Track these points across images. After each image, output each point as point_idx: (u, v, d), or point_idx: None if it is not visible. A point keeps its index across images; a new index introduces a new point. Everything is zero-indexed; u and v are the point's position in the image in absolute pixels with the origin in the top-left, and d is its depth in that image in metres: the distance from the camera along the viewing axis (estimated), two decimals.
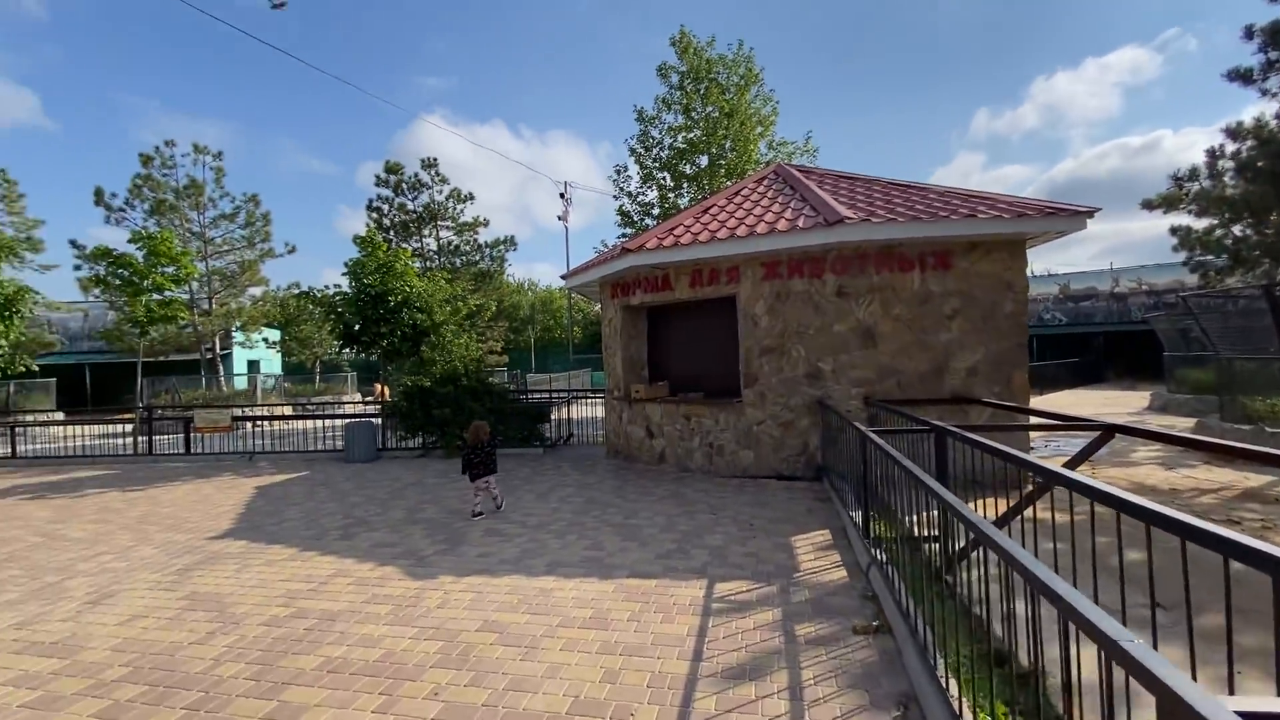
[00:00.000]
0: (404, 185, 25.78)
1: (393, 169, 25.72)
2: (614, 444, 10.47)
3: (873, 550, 4.79)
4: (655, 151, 20.04)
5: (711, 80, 19.01)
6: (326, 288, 14.25)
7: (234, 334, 26.94)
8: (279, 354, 34.72)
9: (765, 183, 10.02)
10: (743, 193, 9.77)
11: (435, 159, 25.98)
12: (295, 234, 78.12)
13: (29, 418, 15.66)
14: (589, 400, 15.05)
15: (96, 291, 18.04)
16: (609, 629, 3.94)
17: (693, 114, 19.27)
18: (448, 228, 26.54)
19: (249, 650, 3.83)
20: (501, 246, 26.89)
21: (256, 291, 27.34)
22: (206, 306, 24.72)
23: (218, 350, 25.57)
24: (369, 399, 31.10)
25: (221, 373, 25.61)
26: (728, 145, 18.92)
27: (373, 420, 12.18)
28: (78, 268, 21.80)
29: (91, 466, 11.97)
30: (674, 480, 8.45)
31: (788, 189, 9.36)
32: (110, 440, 14.50)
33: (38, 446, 14.18)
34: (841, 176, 10.10)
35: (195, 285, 23.41)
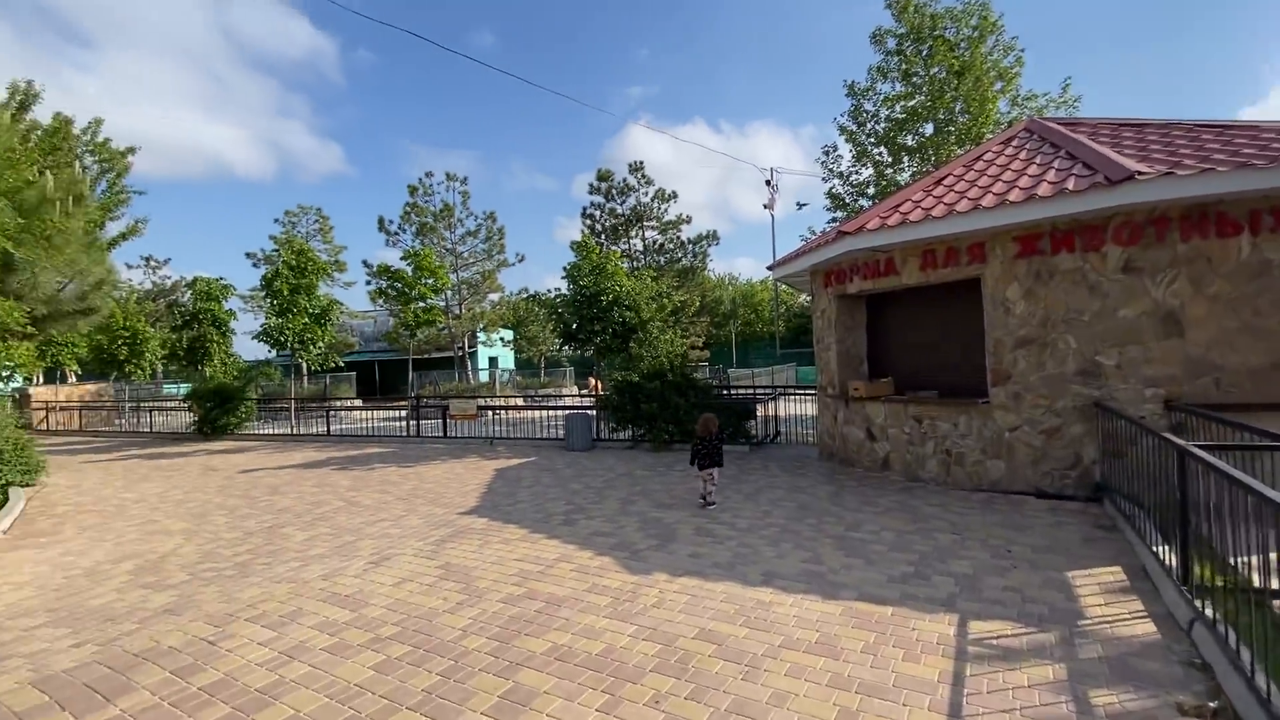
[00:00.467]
0: (613, 190, 27.42)
1: (603, 176, 27.47)
2: (827, 445, 9.74)
3: (1197, 602, 3.62)
4: (869, 126, 18.39)
5: (937, 38, 16.84)
6: (549, 291, 15.66)
7: (478, 334, 31.14)
8: (512, 351, 39.45)
9: (1014, 143, 8.45)
10: (984, 158, 8.36)
11: (641, 162, 27.20)
12: (522, 244, 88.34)
13: (338, 403, 19.85)
14: (796, 396, 14.33)
15: (380, 301, 22.12)
16: (839, 658, 3.49)
17: (914, 79, 17.28)
18: (652, 227, 27.63)
19: (489, 625, 4.14)
20: (704, 242, 27.16)
21: (494, 297, 31.26)
22: (457, 311, 28.92)
23: (466, 348, 29.80)
24: (583, 392, 33.80)
25: (469, 368, 29.78)
26: (958, 108, 16.60)
27: (588, 412, 13.00)
28: (368, 283, 26.95)
29: (378, 444, 14.62)
30: (901, 490, 7.53)
31: (1047, 146, 7.76)
32: (391, 423, 17.62)
33: (344, 426, 17.78)
34: (1123, 124, 8.12)
35: (449, 294, 27.49)
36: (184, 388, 21.77)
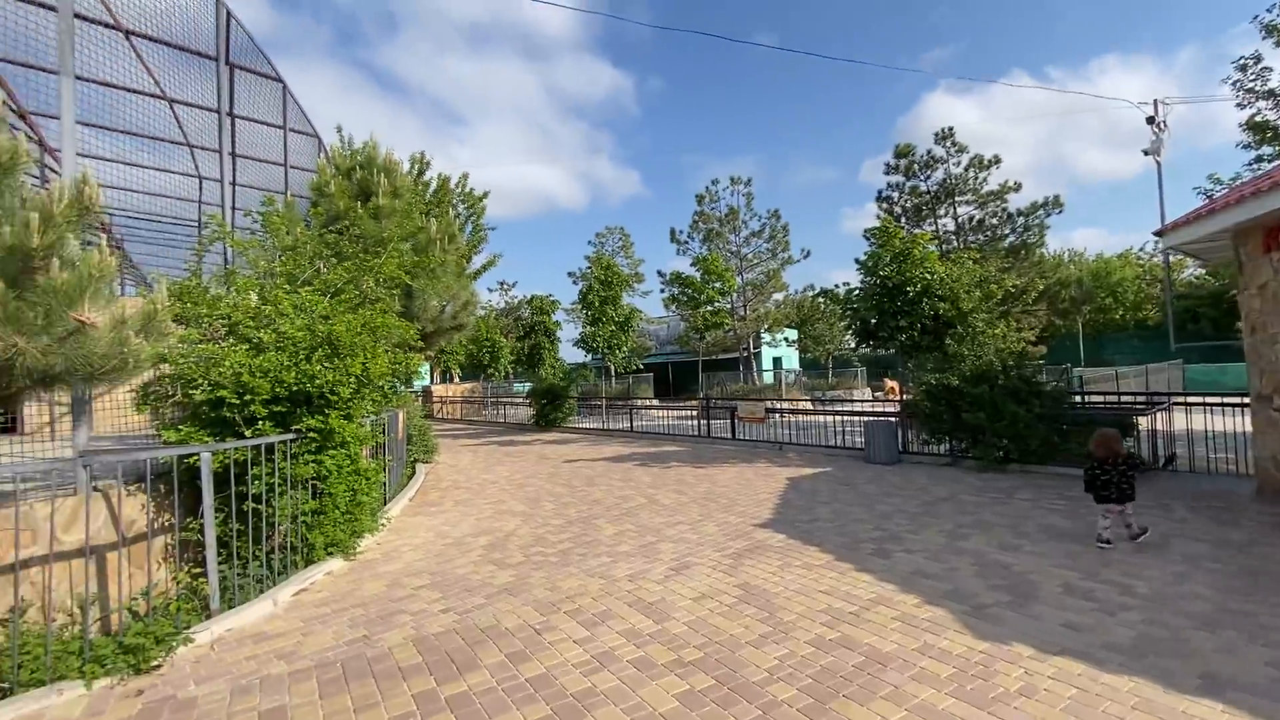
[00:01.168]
0: (914, 166, 24.36)
1: (903, 152, 24.60)
2: (1274, 480, 6.73)
3: None
4: None
5: None
6: (836, 286, 14.44)
7: (762, 335, 31.05)
8: (796, 351, 38.48)
9: None
10: None
11: (950, 129, 23.56)
12: (806, 240, 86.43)
13: (638, 402, 21.70)
14: (1193, 405, 10.50)
15: (672, 307, 23.52)
16: None
17: None
18: (967, 201, 23.68)
19: (798, 673, 3.58)
20: (1039, 212, 22.18)
21: (779, 296, 30.78)
22: (742, 313, 29.25)
23: (750, 349, 29.95)
24: (878, 395, 30.97)
25: (754, 369, 29.86)
26: None
27: (891, 420, 11.52)
28: (661, 290, 29.05)
29: (673, 442, 15.34)
30: None
31: None
32: (683, 422, 18.47)
33: (644, 423, 19.27)
34: None
35: (734, 296, 27.92)
36: (525, 387, 26.37)
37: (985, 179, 23.25)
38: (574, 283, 35.48)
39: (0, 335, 3.07)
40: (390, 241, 7.99)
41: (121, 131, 7.92)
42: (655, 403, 23.76)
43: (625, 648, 4.02)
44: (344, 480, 6.16)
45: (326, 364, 5.80)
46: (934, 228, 24.23)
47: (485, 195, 20.47)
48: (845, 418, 14.68)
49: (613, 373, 25.07)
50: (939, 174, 24.05)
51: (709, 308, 19.35)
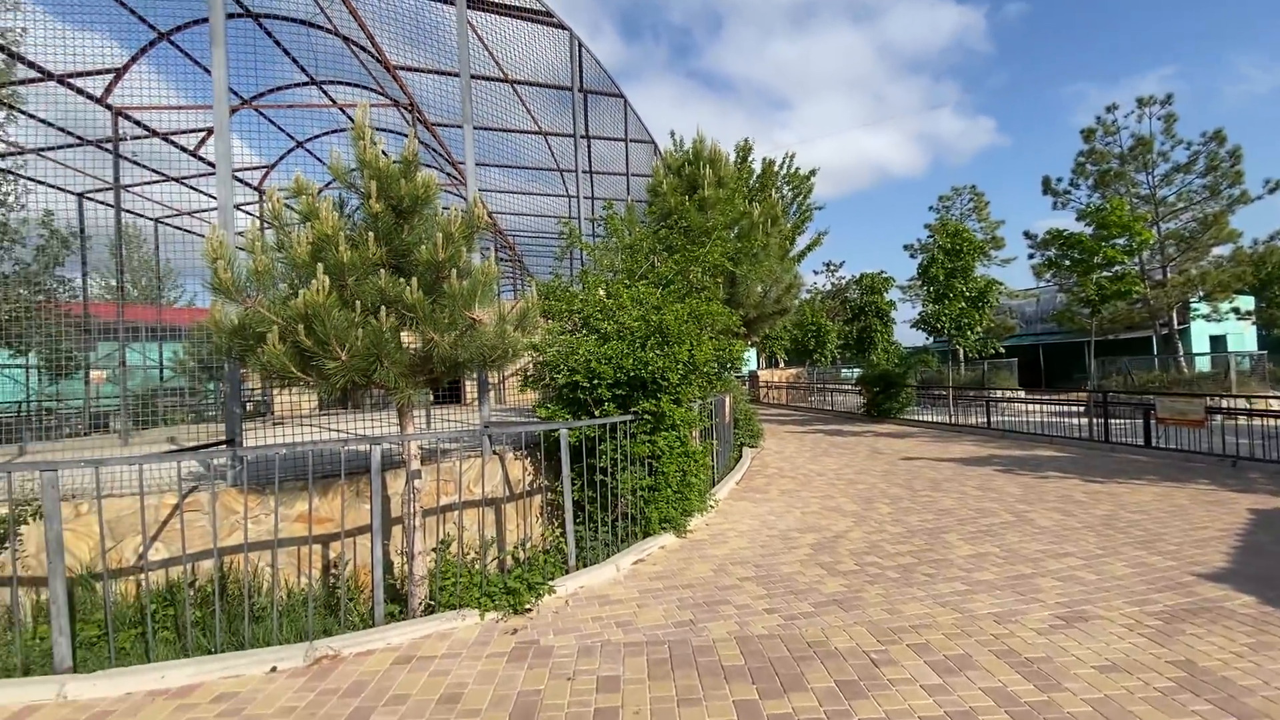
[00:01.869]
0: None
1: None
2: None
3: None
4: None
5: None
6: None
7: (1194, 305, 22.91)
8: (1253, 326, 27.36)
9: None
10: None
11: None
12: (1265, 170, 60.60)
13: (997, 393, 18.22)
14: None
15: (1048, 276, 19.03)
16: None
17: None
18: None
19: None
20: None
21: (1221, 250, 22.24)
22: (1159, 277, 22.03)
23: (1174, 325, 22.35)
24: None
25: (1179, 352, 22.23)
26: None
27: None
28: (1031, 256, 23.83)
29: (1048, 445, 12.35)
30: None
31: None
32: (1063, 420, 14.75)
33: (1005, 418, 16.06)
34: None
35: (1145, 255, 21.17)
36: (854, 373, 24.82)
37: None
38: (911, 256, 31.81)
39: (422, 332, 3.91)
40: (714, 230, 8.17)
41: (515, 166, 9.97)
42: (1021, 394, 19.66)
43: (994, 715, 3.12)
44: (675, 460, 6.46)
45: (658, 351, 6.12)
46: None
47: (813, 173, 19.78)
48: None
49: (962, 357, 21.71)
50: None
51: (1106, 273, 14.87)
